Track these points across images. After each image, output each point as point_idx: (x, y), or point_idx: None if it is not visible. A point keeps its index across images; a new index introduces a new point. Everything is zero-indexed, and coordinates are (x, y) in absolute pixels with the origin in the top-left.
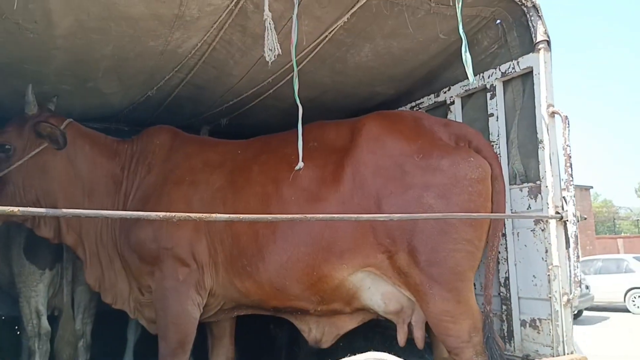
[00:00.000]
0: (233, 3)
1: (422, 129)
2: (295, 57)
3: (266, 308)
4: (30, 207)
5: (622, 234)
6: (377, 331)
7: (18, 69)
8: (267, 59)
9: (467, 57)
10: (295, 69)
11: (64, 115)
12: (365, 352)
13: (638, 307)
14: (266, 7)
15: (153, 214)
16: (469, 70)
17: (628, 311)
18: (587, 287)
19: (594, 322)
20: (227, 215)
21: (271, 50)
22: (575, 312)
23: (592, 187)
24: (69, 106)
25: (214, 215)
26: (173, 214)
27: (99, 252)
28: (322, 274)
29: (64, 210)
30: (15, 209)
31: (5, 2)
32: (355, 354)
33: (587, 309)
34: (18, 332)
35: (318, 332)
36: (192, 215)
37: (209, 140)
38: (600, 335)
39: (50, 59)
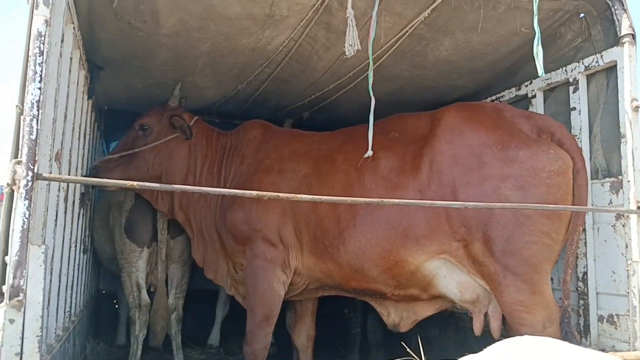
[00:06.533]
0: (319, 2)
1: (502, 120)
2: (375, 52)
3: (347, 289)
4: (152, 182)
5: None
6: (450, 321)
7: (128, 64)
8: (346, 54)
9: (538, 49)
10: (371, 64)
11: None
12: (439, 342)
13: None
14: (349, 5)
15: (247, 192)
16: (539, 64)
17: None
18: None
19: None
20: (311, 196)
21: (351, 45)
22: None
23: None
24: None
25: (299, 195)
26: (268, 193)
27: (203, 231)
28: (398, 258)
29: (174, 186)
30: (135, 183)
31: (120, 5)
32: (430, 344)
33: None
34: (117, 306)
35: (396, 316)
36: (281, 195)
37: (296, 132)
38: None
39: (155, 55)
